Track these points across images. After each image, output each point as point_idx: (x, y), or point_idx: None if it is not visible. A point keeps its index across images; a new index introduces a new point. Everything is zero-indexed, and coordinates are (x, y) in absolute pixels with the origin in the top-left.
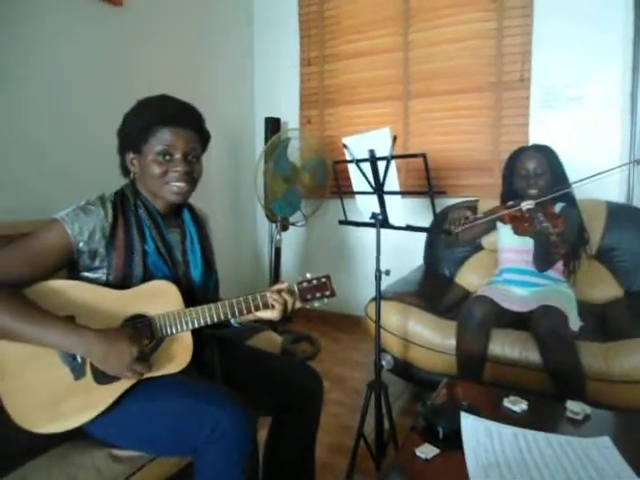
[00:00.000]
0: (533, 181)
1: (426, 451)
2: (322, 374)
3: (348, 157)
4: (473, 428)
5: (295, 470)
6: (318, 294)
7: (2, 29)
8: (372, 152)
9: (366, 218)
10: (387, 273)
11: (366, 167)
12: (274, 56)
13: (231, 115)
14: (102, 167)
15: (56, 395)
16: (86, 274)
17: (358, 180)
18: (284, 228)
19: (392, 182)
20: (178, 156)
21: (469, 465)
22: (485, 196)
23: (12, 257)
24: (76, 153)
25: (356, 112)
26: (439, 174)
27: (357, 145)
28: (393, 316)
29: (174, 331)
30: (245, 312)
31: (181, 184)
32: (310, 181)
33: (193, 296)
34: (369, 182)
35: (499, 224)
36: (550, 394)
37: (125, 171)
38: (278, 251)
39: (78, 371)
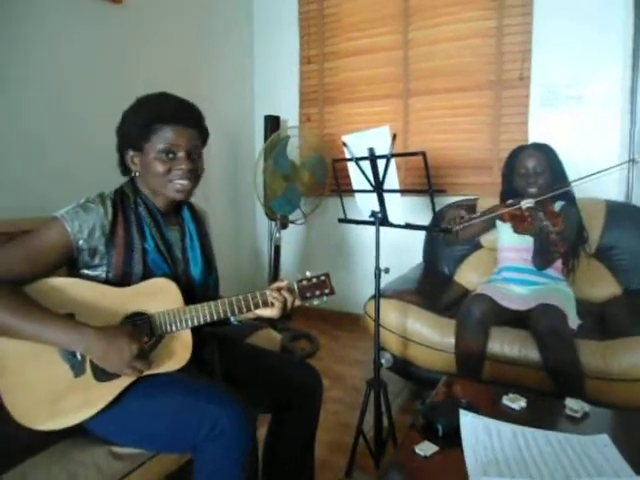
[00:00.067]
0: (533, 180)
1: (425, 448)
2: (321, 372)
3: (348, 155)
4: (472, 426)
5: (295, 467)
6: (318, 292)
7: (2, 29)
8: (372, 150)
9: (365, 216)
10: (386, 271)
11: (366, 165)
12: (274, 54)
13: (231, 113)
14: (102, 165)
15: (56, 392)
16: (86, 272)
17: (358, 178)
18: (283, 226)
19: (392, 180)
20: (181, 154)
21: (468, 462)
22: (484, 194)
23: (12, 255)
24: (76, 152)
25: (356, 110)
26: (439, 172)
27: (357, 143)
28: (392, 314)
29: (174, 329)
30: (245, 310)
31: (185, 182)
32: (310, 179)
33: (193, 294)
34: (369, 180)
35: (499, 222)
36: (549, 392)
37: (124, 169)
38: (278, 249)
39: (78, 368)
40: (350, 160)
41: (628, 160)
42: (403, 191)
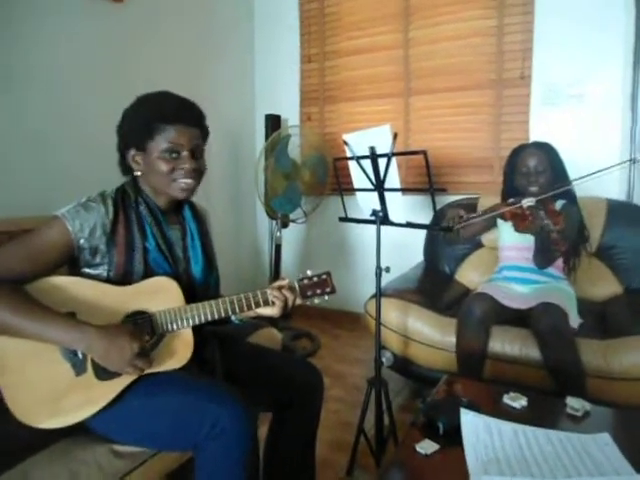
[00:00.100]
0: (534, 178)
1: (426, 447)
2: (322, 371)
3: (349, 154)
4: (473, 424)
5: (296, 466)
6: (319, 291)
7: (3, 28)
8: (373, 149)
9: (366, 215)
10: (387, 270)
11: (367, 164)
12: (274, 53)
13: (232, 112)
14: (103, 164)
15: (57, 391)
16: (87, 270)
17: (358, 177)
18: (284, 225)
19: (392, 179)
20: (185, 153)
21: (469, 461)
22: (485, 193)
23: (13, 253)
24: (77, 151)
25: (356, 109)
26: (439, 171)
27: (358, 142)
28: (393, 313)
29: (175, 327)
30: (246, 309)
31: (189, 180)
32: (310, 178)
33: (194, 292)
34: (370, 179)
35: (500, 221)
36: (550, 391)
37: (125, 168)
38: (278, 248)
39: (79, 367)
40: (351, 159)
41: (628, 160)
42: (404, 190)
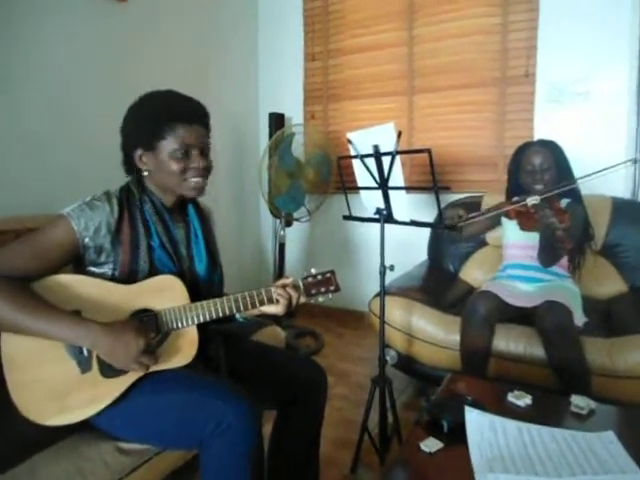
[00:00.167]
0: (539, 176)
1: (430, 445)
2: (326, 369)
3: (353, 152)
4: (477, 422)
5: (300, 463)
6: (323, 289)
7: (3, 28)
8: (377, 147)
9: (370, 213)
10: (391, 268)
11: (371, 162)
12: (278, 51)
13: (236, 110)
14: (104, 164)
15: (63, 388)
16: (92, 269)
17: (362, 175)
18: (288, 223)
19: (397, 177)
20: (195, 152)
21: (473, 459)
22: (490, 191)
23: (19, 252)
24: (79, 150)
25: (360, 107)
26: (444, 169)
27: (361, 140)
28: (397, 311)
29: (180, 326)
30: (250, 307)
31: (199, 179)
32: (314, 176)
33: (198, 290)
34: (374, 177)
35: (504, 220)
36: (555, 389)
37: (129, 168)
38: (282, 246)
39: (84, 365)
40: (355, 157)
41: (630, 160)
42: (408, 188)
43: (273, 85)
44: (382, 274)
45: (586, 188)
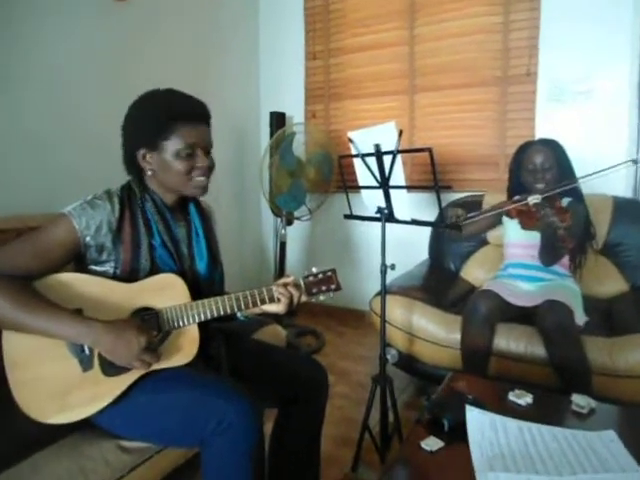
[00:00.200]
0: (540, 175)
1: (431, 444)
2: (327, 368)
3: (354, 151)
4: (478, 421)
5: (301, 461)
6: (324, 288)
7: (3, 27)
8: (378, 146)
9: (371, 212)
10: (392, 267)
11: (372, 161)
12: (279, 50)
13: (237, 109)
14: (104, 163)
15: (64, 386)
16: (93, 268)
17: (363, 174)
18: (289, 222)
19: (398, 176)
20: (199, 151)
21: (474, 458)
22: (491, 190)
23: (20, 251)
24: (79, 150)
25: (362, 106)
26: (445, 168)
27: (363, 139)
28: (398, 310)
29: (181, 324)
30: (251, 305)
31: (204, 178)
32: (315, 175)
33: (199, 289)
34: (375, 176)
35: (505, 219)
36: (555, 388)
37: (130, 167)
38: (283, 245)
39: (86, 363)
40: (356, 156)
41: (631, 160)
42: (409, 187)
43: (274, 84)
44: (383, 273)
45: (587, 187)
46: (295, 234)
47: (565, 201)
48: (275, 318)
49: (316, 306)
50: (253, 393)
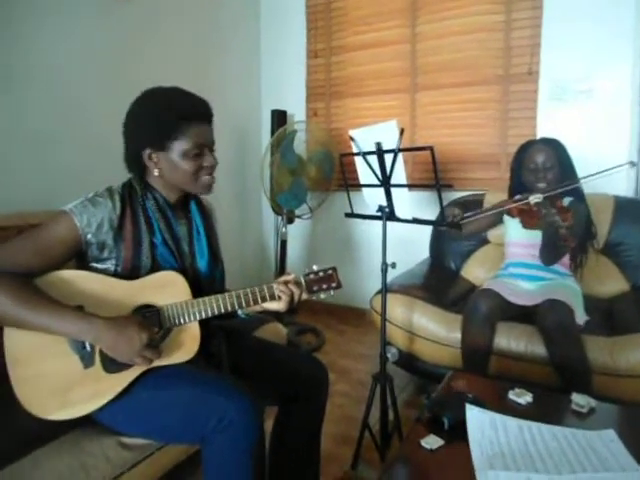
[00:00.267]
0: (542, 175)
1: (431, 442)
2: (327, 366)
3: (355, 150)
4: (478, 420)
5: (301, 459)
6: (324, 286)
7: (4, 27)
8: (379, 145)
9: (372, 211)
10: (393, 266)
11: (373, 160)
12: (281, 48)
13: (238, 107)
14: (105, 162)
15: (66, 383)
16: (95, 265)
17: (365, 173)
18: (290, 220)
19: (399, 175)
20: (206, 150)
21: (474, 456)
22: (492, 189)
23: (21, 248)
24: (80, 149)
25: (363, 104)
26: (446, 167)
27: (364, 138)
28: (398, 309)
29: (182, 321)
30: (252, 303)
31: (210, 177)
32: (316, 174)
33: (200, 286)
34: (376, 175)
35: (506, 218)
36: (555, 387)
37: (133, 165)
38: (284, 243)
39: (87, 360)
40: (357, 155)
41: (628, 162)
42: (410, 186)
43: (275, 82)
44: (384, 271)
45: (588, 187)
46: (296, 232)
47: (566, 200)
48: (276, 316)
49: (317, 304)
50: (254, 391)
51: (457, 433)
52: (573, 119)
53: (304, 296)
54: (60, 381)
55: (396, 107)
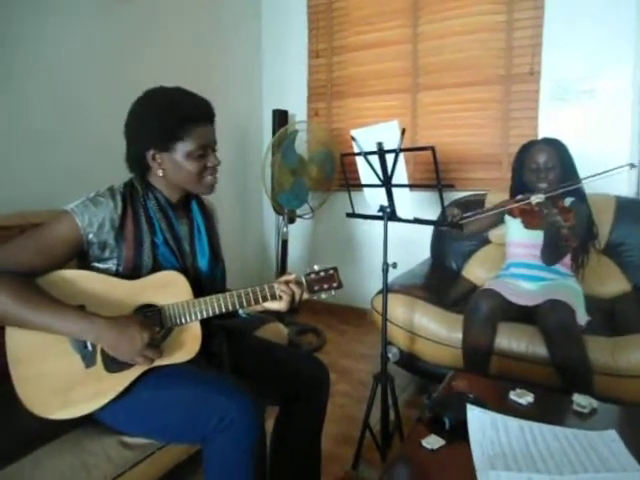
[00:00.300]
0: (543, 175)
1: (432, 442)
2: (328, 366)
3: (356, 150)
4: (479, 420)
5: (302, 458)
6: (325, 285)
7: (4, 27)
8: (380, 145)
9: (374, 211)
10: (394, 266)
11: (374, 160)
12: (282, 48)
13: (239, 107)
14: (106, 161)
15: (67, 383)
16: (96, 265)
17: (366, 173)
18: (291, 220)
19: (400, 175)
20: (209, 151)
21: (475, 456)
22: (494, 189)
23: (23, 247)
24: (80, 149)
25: (364, 104)
26: (447, 167)
27: (365, 138)
28: (399, 309)
29: (183, 321)
30: (253, 303)
31: (213, 177)
32: (317, 173)
33: (201, 286)
34: (377, 175)
35: (508, 218)
36: (557, 388)
37: (134, 165)
38: (285, 243)
39: (89, 359)
40: (359, 155)
41: (628, 164)
42: (412, 186)
43: (277, 82)
44: (385, 271)
45: (590, 187)
46: (297, 232)
47: (568, 201)
48: (277, 316)
49: (318, 304)
50: (255, 390)
51: (458, 433)
52: (575, 119)
53: (305, 296)
54: (62, 380)
55: (397, 107)
